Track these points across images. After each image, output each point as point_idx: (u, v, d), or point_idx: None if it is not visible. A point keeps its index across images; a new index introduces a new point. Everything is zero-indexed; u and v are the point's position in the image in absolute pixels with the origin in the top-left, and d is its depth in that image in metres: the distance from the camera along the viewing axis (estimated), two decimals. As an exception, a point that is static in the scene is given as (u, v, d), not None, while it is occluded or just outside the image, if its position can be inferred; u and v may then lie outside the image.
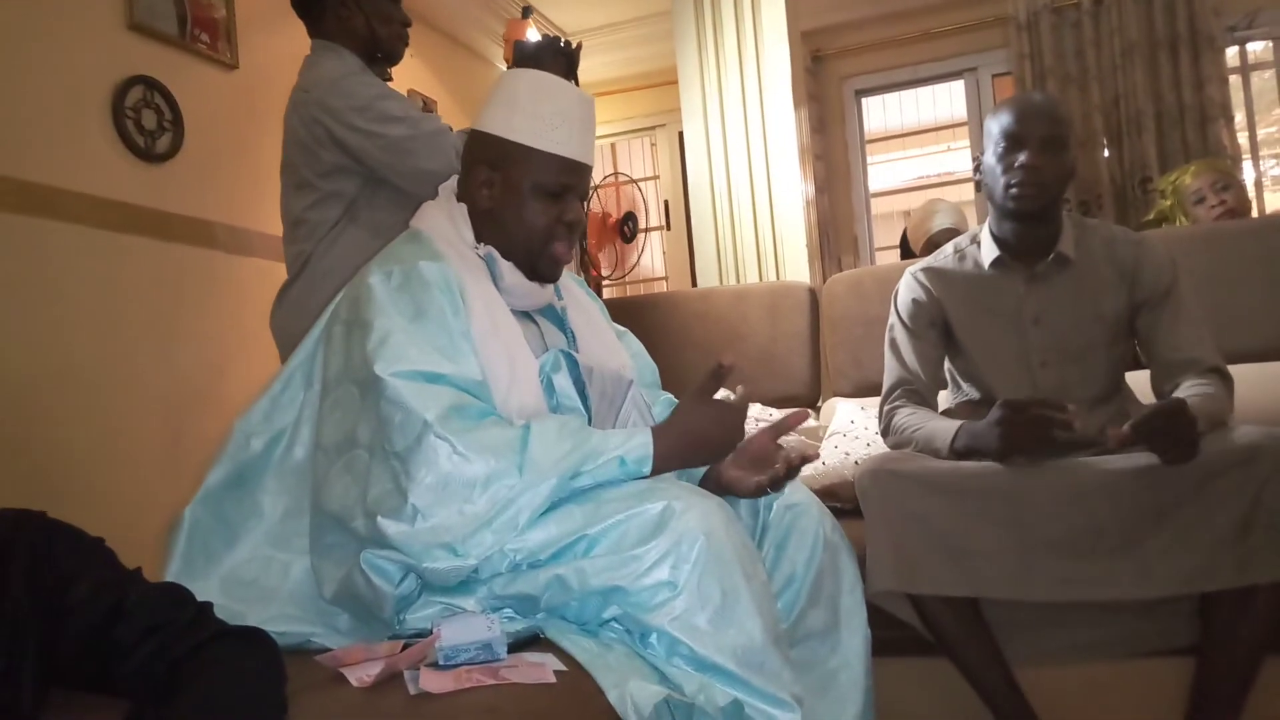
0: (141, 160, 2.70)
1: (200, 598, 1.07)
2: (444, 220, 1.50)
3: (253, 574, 1.36)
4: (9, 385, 2.28)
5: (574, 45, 2.14)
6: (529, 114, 1.46)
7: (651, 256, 5.90)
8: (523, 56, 2.14)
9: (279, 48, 2.21)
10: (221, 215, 2.89)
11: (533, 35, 3.12)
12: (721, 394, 1.42)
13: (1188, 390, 1.73)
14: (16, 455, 2.26)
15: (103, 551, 1.06)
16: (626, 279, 5.32)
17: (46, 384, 2.38)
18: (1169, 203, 3.17)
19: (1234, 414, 1.76)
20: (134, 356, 2.63)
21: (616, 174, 5.06)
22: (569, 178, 1.47)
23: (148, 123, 2.72)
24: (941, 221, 3.57)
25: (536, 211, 1.46)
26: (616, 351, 1.62)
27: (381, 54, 2.19)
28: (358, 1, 2.13)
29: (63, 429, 2.41)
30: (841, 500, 2.17)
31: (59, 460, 2.38)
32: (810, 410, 1.49)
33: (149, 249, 2.70)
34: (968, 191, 5.35)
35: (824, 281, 2.90)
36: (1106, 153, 4.31)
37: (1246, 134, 4.49)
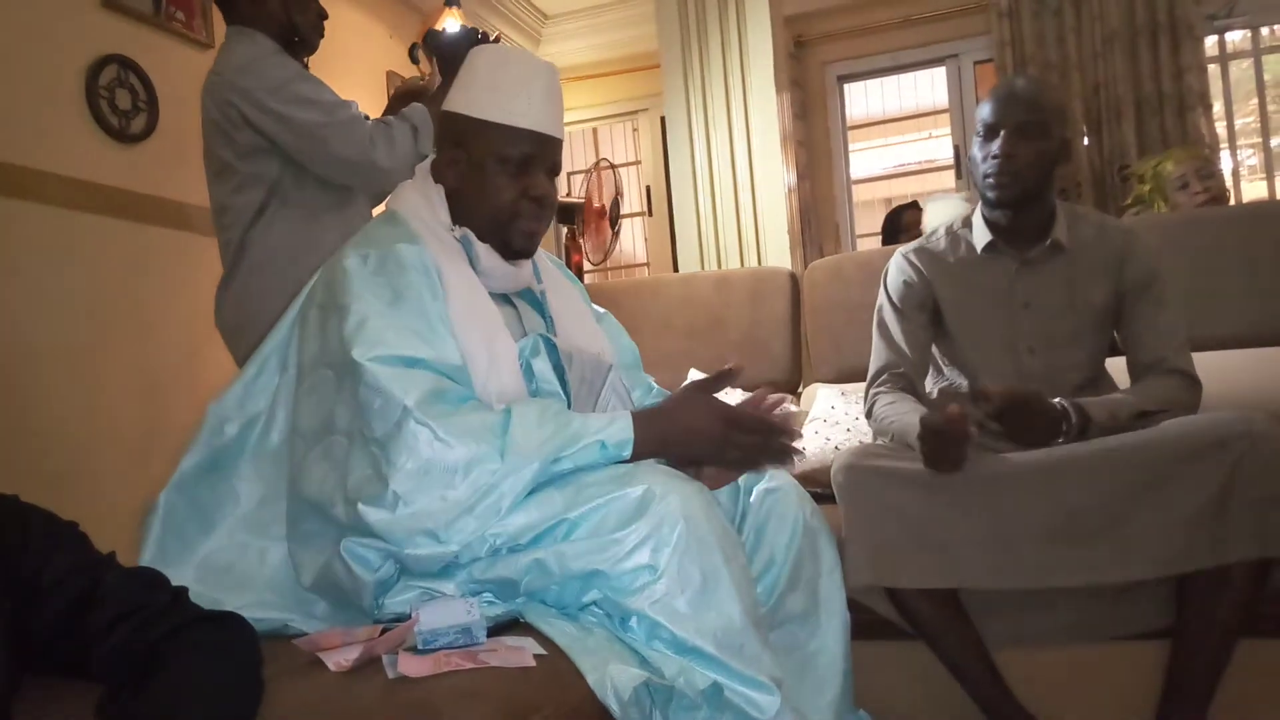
0: (115, 141, 2.67)
1: (175, 584, 1.06)
2: (421, 201, 1.48)
3: (228, 560, 1.35)
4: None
5: (493, 37, 2.12)
6: (488, 87, 1.44)
7: (634, 242, 5.89)
8: (438, 47, 2.12)
9: (256, 27, 2.18)
10: (196, 197, 2.85)
11: (452, 25, 3.04)
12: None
13: (1138, 388, 1.79)
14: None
15: (76, 536, 1.05)
16: (608, 265, 5.31)
17: (18, 366, 2.35)
18: (1148, 187, 3.18)
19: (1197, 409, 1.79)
20: (108, 339, 2.60)
21: (599, 160, 5.04)
22: (531, 148, 1.44)
23: (122, 103, 2.69)
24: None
25: (500, 186, 1.43)
26: (596, 336, 1.60)
27: (299, 39, 2.15)
28: None
29: (36, 412, 2.38)
30: (821, 485, 2.16)
31: (31, 444, 2.36)
32: (788, 396, 1.46)
33: (123, 230, 2.67)
34: (948, 179, 5.37)
35: (805, 268, 2.90)
36: (1086, 140, 4.33)
37: (1224, 123, 4.52)
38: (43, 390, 2.41)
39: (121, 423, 2.61)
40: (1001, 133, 1.81)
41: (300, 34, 2.14)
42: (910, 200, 4.11)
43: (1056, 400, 1.72)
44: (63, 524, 1.04)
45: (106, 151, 2.65)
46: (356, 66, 3.85)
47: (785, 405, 1.40)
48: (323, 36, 2.22)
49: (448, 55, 2.10)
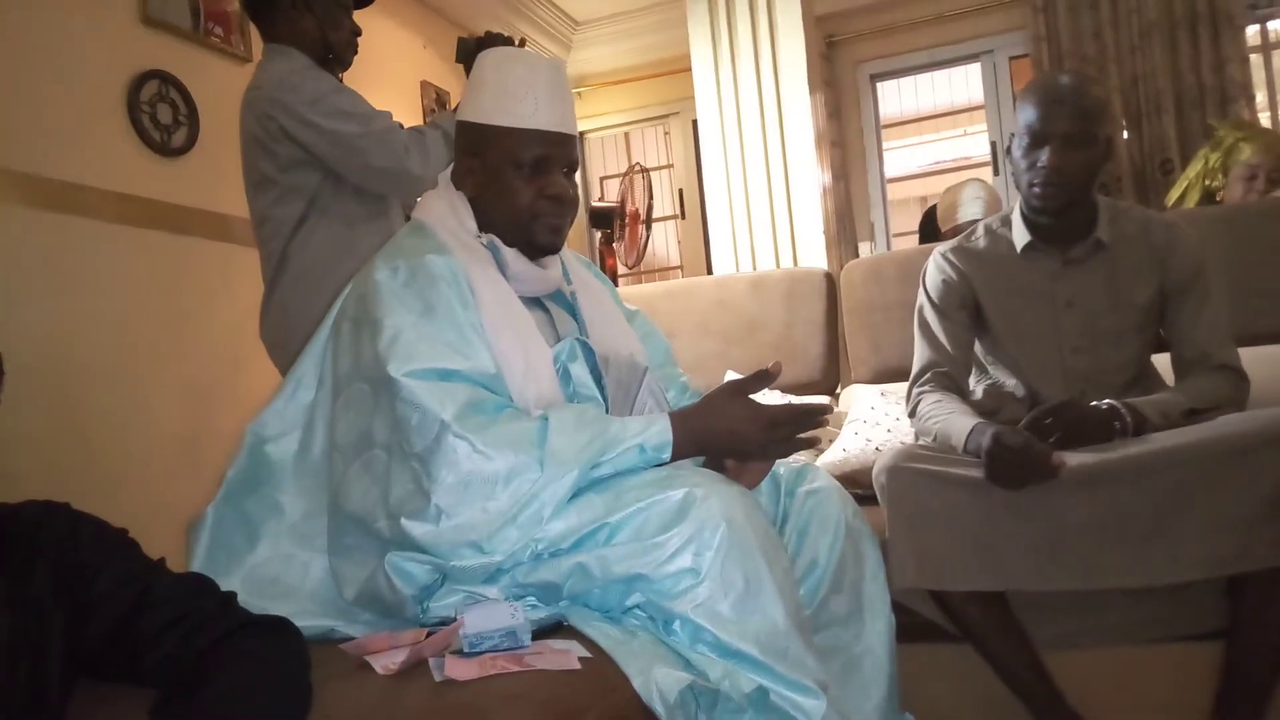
0: (157, 155, 2.71)
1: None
2: (446, 210, 1.49)
3: (274, 572, 1.36)
4: (31, 379, 2.30)
5: (517, 41, 2.13)
6: (494, 92, 1.44)
7: (667, 246, 5.89)
8: (465, 54, 2.14)
9: (292, 40, 2.21)
10: (237, 209, 2.89)
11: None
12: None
13: (1181, 387, 1.76)
14: (39, 448, 2.27)
15: (126, 543, 1.06)
16: (641, 269, 5.31)
17: (67, 377, 2.40)
18: (1217, 155, 3.07)
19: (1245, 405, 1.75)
20: (152, 350, 2.64)
21: (633, 165, 5.05)
22: (544, 149, 1.43)
23: (163, 117, 2.74)
24: (970, 212, 3.47)
25: (517, 189, 1.43)
26: (628, 337, 1.59)
27: (333, 56, 2.18)
28: (309, 4, 2.12)
29: (84, 420, 2.43)
30: (862, 487, 2.15)
31: (80, 451, 2.40)
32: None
33: (165, 243, 2.71)
34: (985, 176, 5.31)
35: (841, 268, 2.88)
36: (1126, 135, 4.26)
37: (1268, 113, 4.43)
38: (90, 399, 2.45)
39: (166, 431, 2.65)
40: (1050, 143, 1.76)
41: (334, 51, 2.17)
42: (973, 219, 4.04)
43: (1106, 401, 1.70)
44: (113, 531, 1.06)
45: (148, 165, 2.69)
46: (390, 77, 3.89)
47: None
48: (356, 53, 2.25)
49: (471, 57, 2.13)
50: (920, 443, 1.87)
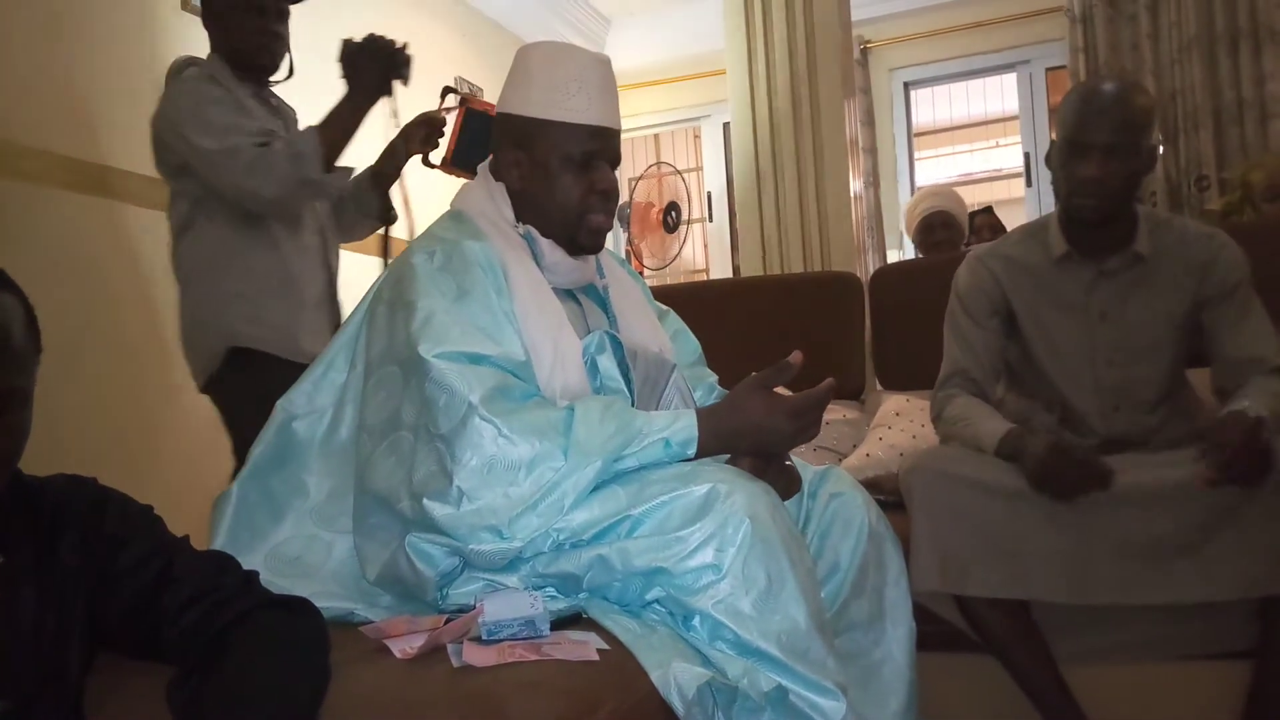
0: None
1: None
2: (485, 199, 1.49)
3: (296, 551, 1.37)
4: (64, 358, 2.32)
5: (399, 45, 2.07)
6: (544, 85, 1.43)
7: (693, 249, 5.88)
8: (346, 55, 2.04)
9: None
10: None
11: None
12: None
13: (1255, 391, 1.67)
14: (69, 425, 2.29)
15: (151, 519, 1.07)
16: (667, 271, 5.29)
17: (99, 357, 2.43)
18: (1237, 195, 3.05)
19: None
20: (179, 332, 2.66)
21: (659, 164, 5.04)
22: (594, 144, 1.44)
23: (200, 104, 2.75)
24: (930, 204, 3.43)
25: (567, 185, 1.43)
26: (658, 334, 1.59)
27: (256, 64, 2.11)
28: (212, 12, 2.09)
29: (113, 401, 2.46)
30: (886, 492, 2.13)
31: (109, 431, 2.43)
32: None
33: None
34: (1018, 188, 5.27)
35: (870, 275, 2.87)
36: (1161, 149, 4.21)
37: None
38: (120, 380, 2.48)
39: (192, 412, 2.67)
40: (1091, 155, 1.71)
41: (243, 57, 2.09)
42: (984, 205, 4.04)
43: (1246, 406, 1.60)
44: (138, 507, 1.06)
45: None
46: (424, 74, 3.89)
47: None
48: (275, 56, 2.14)
49: (348, 63, 2.05)
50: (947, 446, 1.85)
